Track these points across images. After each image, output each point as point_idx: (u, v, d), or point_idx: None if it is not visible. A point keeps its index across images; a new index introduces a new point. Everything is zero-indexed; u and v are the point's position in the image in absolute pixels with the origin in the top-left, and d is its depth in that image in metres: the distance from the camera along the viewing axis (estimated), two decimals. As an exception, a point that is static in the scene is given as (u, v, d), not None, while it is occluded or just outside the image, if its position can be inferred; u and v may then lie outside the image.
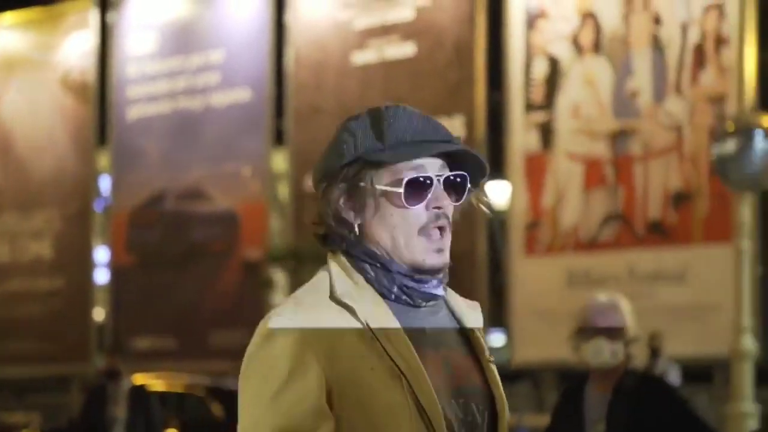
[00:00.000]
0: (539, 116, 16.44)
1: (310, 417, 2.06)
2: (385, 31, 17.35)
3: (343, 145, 2.17)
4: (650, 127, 15.80)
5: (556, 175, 16.21)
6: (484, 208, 2.24)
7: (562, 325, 15.42)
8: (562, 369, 14.99)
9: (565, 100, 16.26)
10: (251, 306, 17.28)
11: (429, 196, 2.11)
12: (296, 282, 15.50)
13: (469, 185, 2.16)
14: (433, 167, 2.13)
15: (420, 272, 2.14)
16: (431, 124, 2.16)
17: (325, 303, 2.12)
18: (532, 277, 16.27)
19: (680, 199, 15.63)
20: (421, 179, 2.11)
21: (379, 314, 2.12)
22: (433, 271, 2.13)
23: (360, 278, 2.15)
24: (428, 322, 2.18)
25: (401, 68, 17.19)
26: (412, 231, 2.12)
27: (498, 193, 16.98)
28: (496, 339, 17.19)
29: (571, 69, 16.36)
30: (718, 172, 11.66)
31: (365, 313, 2.11)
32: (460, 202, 2.15)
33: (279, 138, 18.16)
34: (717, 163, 11.57)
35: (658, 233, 15.81)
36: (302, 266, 15.62)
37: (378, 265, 2.14)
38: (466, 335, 2.24)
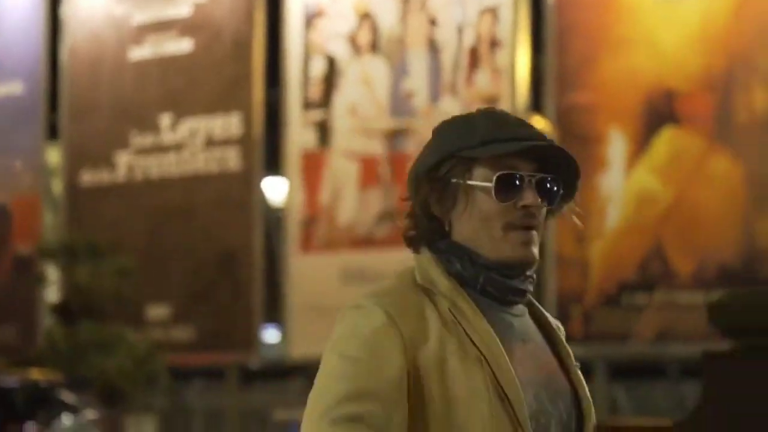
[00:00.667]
0: (317, 114, 16.38)
1: (384, 396, 2.05)
2: (162, 26, 17.25)
3: (436, 145, 2.21)
4: (426, 127, 15.06)
5: (333, 172, 16.26)
6: (575, 219, 2.28)
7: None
8: None
9: (342, 98, 16.26)
10: (23, 302, 17.09)
11: (520, 193, 2.14)
12: (68, 278, 15.66)
13: (560, 188, 2.19)
14: (526, 165, 2.17)
15: (507, 267, 2.16)
16: (524, 123, 2.22)
17: (410, 288, 2.16)
18: (308, 273, 16.27)
19: None
20: (512, 176, 2.14)
21: (460, 299, 2.15)
22: (521, 265, 2.16)
23: (444, 270, 2.17)
24: (516, 319, 2.19)
25: (178, 64, 17.09)
26: (501, 226, 2.15)
27: (275, 189, 17.33)
28: (271, 335, 17.30)
29: (349, 68, 16.32)
30: None
31: (447, 297, 2.14)
32: (552, 205, 2.18)
33: (53, 132, 17.92)
34: None
35: None
36: (75, 262, 15.47)
37: (465, 257, 2.16)
38: (551, 341, 2.26)
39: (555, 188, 2.19)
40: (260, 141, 16.60)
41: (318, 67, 16.52)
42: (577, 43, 15.04)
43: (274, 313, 16.70)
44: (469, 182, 2.17)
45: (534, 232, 2.16)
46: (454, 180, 2.18)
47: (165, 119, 17.42)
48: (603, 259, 14.37)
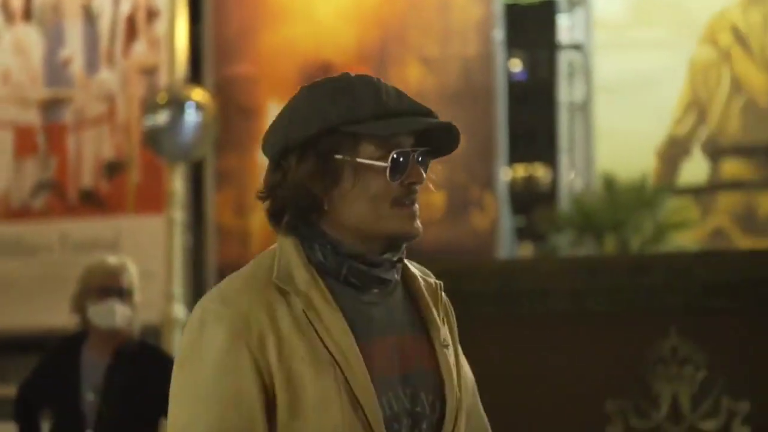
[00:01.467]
0: None
1: (244, 419, 1.92)
2: None
3: (310, 113, 2.01)
4: (83, 97, 15.95)
5: None
6: (431, 185, 2.12)
7: None
8: None
9: None
10: None
11: (407, 170, 2.00)
12: None
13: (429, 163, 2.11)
14: (407, 141, 2.03)
15: (392, 244, 2.02)
16: (403, 95, 2.05)
17: (263, 286, 1.99)
18: None
19: (113, 169, 15.83)
20: (405, 154, 2.00)
21: (319, 299, 2.00)
22: (408, 238, 2.02)
23: (306, 259, 2.02)
24: (380, 305, 2.04)
25: None
26: (389, 204, 2.00)
27: None
28: None
29: (2, 36, 16.17)
30: (150, 142, 11.83)
31: (304, 297, 1.99)
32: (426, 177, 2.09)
33: None
34: (149, 134, 11.71)
35: (91, 202, 15.94)
36: None
37: (328, 246, 2.02)
38: (423, 318, 2.11)
39: (427, 165, 2.08)
40: None
41: None
42: (235, 14, 15.40)
43: None
44: (359, 160, 1.99)
45: (416, 206, 2.04)
46: (338, 156, 1.99)
47: None
48: (263, 228, 14.24)
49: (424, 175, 2.01)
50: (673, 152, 14.36)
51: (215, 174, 16.36)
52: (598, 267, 4.14)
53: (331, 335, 1.95)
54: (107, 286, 5.12)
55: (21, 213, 16.15)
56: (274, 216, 2.02)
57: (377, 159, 1.97)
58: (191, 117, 11.50)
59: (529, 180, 32.93)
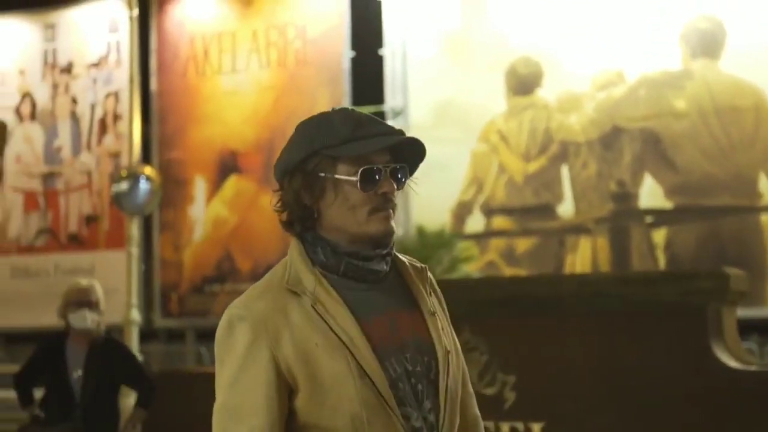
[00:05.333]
0: None
1: (262, 403, 2.07)
2: None
3: (300, 142, 2.22)
4: (70, 172, 17.38)
5: (4, 201, 17.69)
6: (413, 189, 2.36)
7: (8, 304, 17.34)
8: (7, 333, 17.29)
9: (10, 151, 17.80)
10: None
11: (379, 182, 2.19)
12: None
13: (407, 176, 2.27)
14: (381, 158, 2.20)
15: (375, 243, 2.21)
16: (375, 120, 2.23)
17: (278, 289, 2.18)
18: None
19: (90, 220, 17.09)
20: (372, 169, 2.18)
21: (324, 295, 2.16)
22: (385, 236, 2.21)
23: (310, 264, 2.20)
24: (375, 290, 2.22)
25: None
26: (365, 211, 2.19)
27: None
28: None
29: (15, 130, 17.81)
30: (116, 202, 12.64)
31: (312, 295, 2.15)
32: (401, 188, 2.26)
33: None
34: (115, 197, 12.53)
35: (76, 242, 17.21)
36: None
37: (327, 248, 2.20)
38: (413, 294, 2.29)
39: (403, 176, 2.24)
40: None
41: None
42: (172, 118, 16.41)
43: None
44: (336, 176, 2.18)
45: (391, 211, 2.21)
46: (321, 174, 2.18)
47: None
48: (192, 260, 15.87)
49: (395, 186, 2.23)
50: (462, 211, 15.95)
51: (159, 223, 16.37)
52: None
53: (337, 322, 2.14)
54: (81, 299, 5.90)
55: (28, 249, 17.47)
56: (286, 224, 2.27)
57: (351, 174, 2.19)
58: (144, 186, 12.24)
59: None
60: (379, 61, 17.02)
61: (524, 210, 16.48)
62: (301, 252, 2.25)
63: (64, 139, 17.39)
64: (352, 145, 2.20)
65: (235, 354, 2.13)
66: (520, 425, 4.54)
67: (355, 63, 16.77)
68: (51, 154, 17.50)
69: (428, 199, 16.75)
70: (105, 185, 16.34)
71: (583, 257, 16.18)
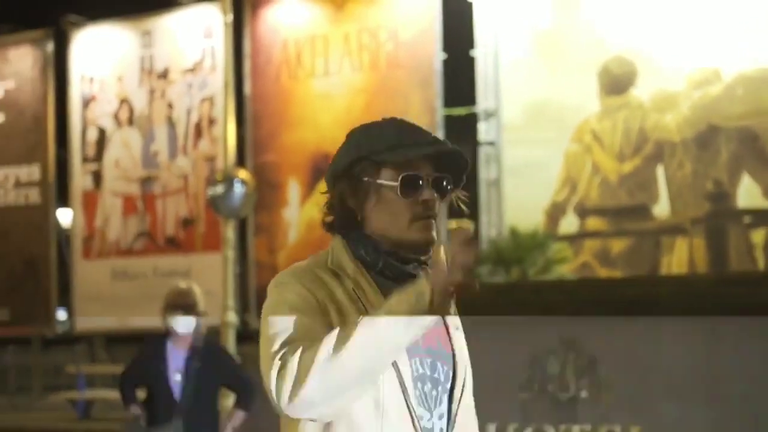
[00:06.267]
0: (92, 166, 18.44)
1: (324, 330, 2.04)
2: None
3: (349, 148, 2.23)
4: (167, 176, 17.77)
5: (104, 205, 18.17)
6: (462, 205, 2.28)
7: (109, 306, 17.99)
8: (108, 334, 18.15)
9: (109, 156, 18.21)
10: None
11: (420, 191, 2.16)
12: None
13: (451, 185, 2.22)
14: (425, 168, 2.19)
15: (414, 247, 2.18)
16: (422, 130, 2.23)
17: (320, 269, 2.18)
18: (88, 273, 18.19)
19: (187, 223, 17.44)
20: (414, 176, 2.16)
21: (364, 282, 2.17)
22: (425, 245, 2.18)
23: (352, 255, 2.20)
24: None
25: None
26: (407, 218, 2.17)
27: (64, 217, 19.05)
28: (63, 314, 18.93)
29: (114, 135, 18.21)
30: (212, 205, 12.98)
31: (353, 280, 2.17)
32: (444, 199, 2.20)
33: None
34: (211, 200, 12.88)
35: (173, 245, 17.64)
36: None
37: (369, 246, 2.19)
38: None
39: (447, 184, 2.20)
40: (53, 184, 18.48)
41: (92, 135, 18.35)
42: (266, 122, 16.69)
43: (65, 299, 18.57)
44: (378, 181, 2.17)
45: (432, 220, 2.16)
46: (365, 178, 2.18)
47: (-14, 169, 18.00)
48: (286, 263, 14.78)
49: (436, 195, 2.18)
50: (555, 212, 15.83)
51: (254, 226, 16.73)
52: (512, 289, 4.18)
53: (374, 307, 2.12)
54: (179, 302, 5.88)
55: (127, 252, 17.94)
56: (328, 226, 2.27)
57: (393, 180, 2.18)
58: (239, 189, 12.57)
59: (463, 230, 34.24)
60: (471, 62, 17.08)
61: (618, 210, 16.39)
62: (345, 244, 2.24)
63: (160, 143, 17.78)
64: (396, 151, 2.19)
65: (288, 305, 2.12)
66: (617, 428, 4.51)
67: (447, 65, 16.87)
68: (148, 159, 17.89)
69: (521, 200, 16.92)
70: (201, 189, 16.66)
71: (679, 258, 16.08)
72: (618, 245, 16.32)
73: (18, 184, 18.39)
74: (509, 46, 16.73)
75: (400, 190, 2.18)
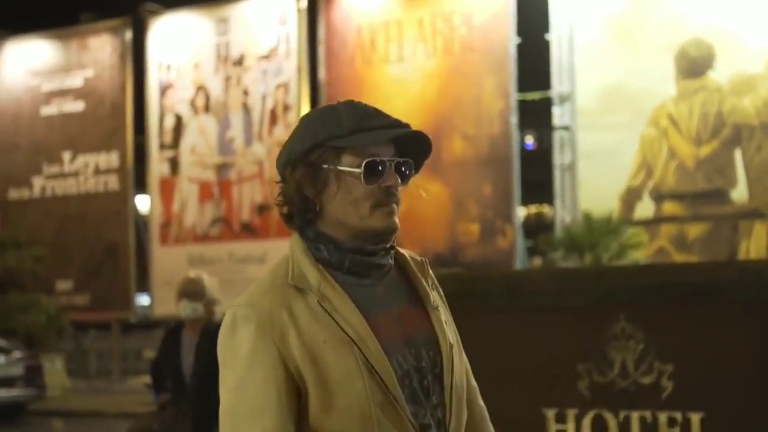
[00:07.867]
0: (169, 153, 19.05)
1: (272, 402, 1.97)
2: (62, 93, 19.23)
3: (305, 134, 2.08)
4: (242, 162, 18.30)
5: (181, 192, 18.78)
6: (421, 191, 2.19)
7: None
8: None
9: (186, 142, 18.81)
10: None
11: (382, 176, 2.05)
12: (1, 262, 17.51)
13: (413, 170, 2.10)
14: (386, 152, 2.07)
15: (376, 237, 2.07)
16: (381, 113, 2.10)
17: (283, 286, 2.04)
18: (165, 258, 18.84)
19: (262, 209, 17.83)
20: (377, 162, 2.04)
21: (330, 290, 2.04)
22: (388, 232, 2.07)
23: (313, 260, 2.07)
24: (379, 286, 2.10)
25: (75, 119, 19.19)
26: (368, 205, 2.05)
27: (142, 203, 19.76)
28: (143, 300, 19.61)
29: (190, 122, 18.77)
30: None
31: (317, 291, 2.03)
32: (406, 183, 2.09)
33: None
34: None
35: (248, 231, 18.08)
36: (4, 251, 17.50)
37: (331, 245, 2.07)
38: (416, 289, 2.16)
39: (408, 170, 2.08)
40: (131, 170, 19.02)
41: (169, 122, 18.92)
42: None
43: (144, 284, 19.14)
44: (339, 168, 2.04)
45: (395, 206, 2.06)
46: (325, 166, 2.05)
47: (66, 155, 19.36)
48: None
49: (399, 180, 2.04)
50: (630, 197, 15.87)
51: None
52: (573, 275, 4.38)
53: (344, 317, 2.00)
54: (186, 290, 5.94)
55: (203, 238, 18.55)
56: (286, 218, 2.11)
57: (355, 167, 2.03)
58: None
59: (537, 215, 34.43)
60: (545, 46, 17.18)
61: (696, 195, 16.35)
62: (304, 248, 2.09)
63: (236, 130, 18.19)
64: (356, 136, 2.05)
65: (241, 354, 2.00)
66: (678, 415, 4.38)
67: (521, 49, 16.99)
68: (224, 145, 18.33)
69: (596, 185, 16.89)
70: (276, 175, 16.69)
71: (758, 243, 16.07)
72: (695, 230, 16.29)
73: (97, 171, 19.08)
74: (584, 29, 16.77)
75: (364, 176, 2.04)
